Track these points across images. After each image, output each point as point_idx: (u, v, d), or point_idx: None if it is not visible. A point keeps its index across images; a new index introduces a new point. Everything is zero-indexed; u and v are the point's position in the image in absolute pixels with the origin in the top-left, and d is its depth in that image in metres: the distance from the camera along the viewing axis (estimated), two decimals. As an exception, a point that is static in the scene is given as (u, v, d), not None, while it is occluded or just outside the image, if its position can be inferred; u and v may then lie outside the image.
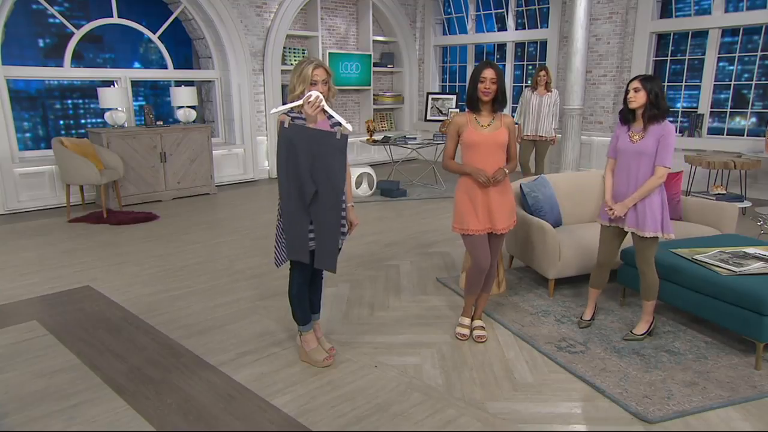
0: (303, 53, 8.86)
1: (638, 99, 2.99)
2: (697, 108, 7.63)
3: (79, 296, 3.99)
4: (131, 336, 3.38)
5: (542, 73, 6.83)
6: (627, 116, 3.11)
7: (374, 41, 9.77)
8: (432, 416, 2.56)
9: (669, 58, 7.85)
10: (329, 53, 9.00)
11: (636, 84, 3.00)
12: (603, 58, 8.25)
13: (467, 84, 3.11)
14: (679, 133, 7.84)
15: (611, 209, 3.13)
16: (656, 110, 2.97)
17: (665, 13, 7.77)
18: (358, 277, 4.37)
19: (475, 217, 3.11)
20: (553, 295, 3.93)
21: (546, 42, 8.94)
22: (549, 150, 7.08)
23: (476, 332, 3.31)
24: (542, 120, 6.83)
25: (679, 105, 7.94)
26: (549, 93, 6.86)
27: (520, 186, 4.23)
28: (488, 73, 2.97)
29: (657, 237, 3.10)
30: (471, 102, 3.07)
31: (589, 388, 2.77)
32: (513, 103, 9.60)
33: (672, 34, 7.76)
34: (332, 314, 3.69)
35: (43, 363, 3.04)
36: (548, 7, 8.83)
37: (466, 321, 3.37)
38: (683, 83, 7.81)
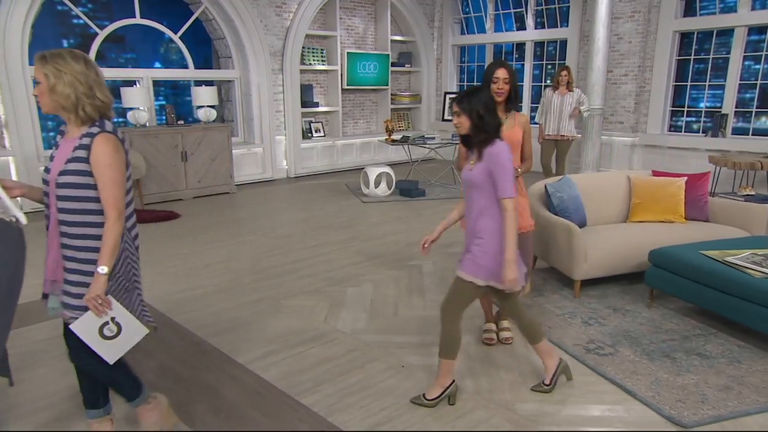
0: (321, 53, 8.87)
1: (463, 124, 2.44)
2: (721, 108, 7.51)
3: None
4: (159, 333, 3.39)
5: (564, 72, 6.80)
6: (464, 141, 2.55)
7: (392, 41, 9.76)
8: (462, 417, 2.55)
9: (692, 57, 7.74)
10: (347, 53, 9.00)
11: (455, 108, 2.45)
12: (624, 58, 8.16)
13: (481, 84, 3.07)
14: (702, 133, 7.72)
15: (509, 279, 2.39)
16: (484, 133, 2.41)
17: (689, 11, 7.65)
18: (381, 277, 4.36)
19: None
20: (579, 296, 3.89)
21: (566, 41, 8.87)
22: (570, 149, 7.04)
23: (503, 334, 3.28)
24: (564, 119, 6.80)
25: (702, 105, 7.83)
26: (570, 92, 6.83)
27: (545, 186, 4.20)
28: (501, 73, 2.95)
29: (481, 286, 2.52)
30: None
31: (620, 390, 2.73)
32: (533, 103, 9.55)
33: (696, 33, 7.65)
34: (357, 314, 3.69)
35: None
36: (568, 6, 8.76)
37: (490, 326, 3.33)
38: (707, 82, 7.69)
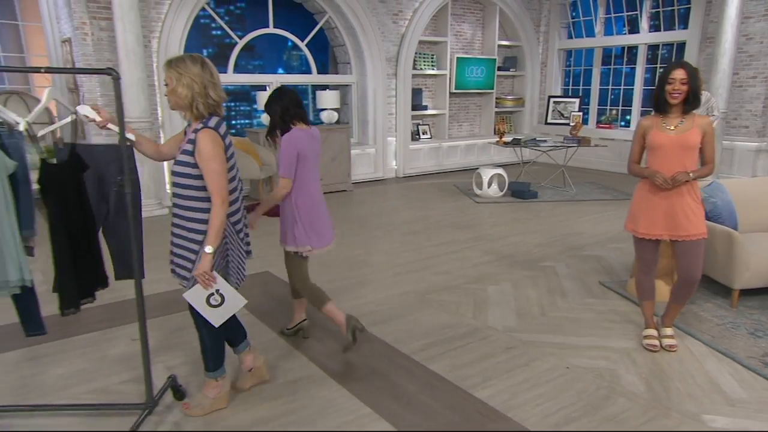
0: (432, 58, 9.01)
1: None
2: None
3: (262, 280, 4.31)
4: (322, 320, 3.60)
5: (693, 75, 6.51)
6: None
7: (498, 45, 9.73)
8: (647, 424, 2.51)
9: (838, 57, 7.16)
10: (457, 58, 9.09)
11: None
12: (754, 59, 7.70)
13: (655, 86, 3.02)
14: None
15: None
16: (280, 128, 2.96)
17: (836, 8, 7.10)
18: (517, 277, 4.38)
19: (648, 220, 3.04)
20: (737, 306, 3.73)
21: (683, 43, 8.48)
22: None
23: (666, 341, 3.21)
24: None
25: None
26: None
27: (697, 192, 4.06)
28: (678, 74, 2.87)
29: (296, 252, 3.08)
30: (658, 104, 2.98)
31: (817, 407, 2.60)
32: (643, 107, 9.20)
33: (843, 31, 7.08)
34: (504, 312, 3.73)
35: (254, 340, 3.29)
36: (688, 8, 8.37)
37: (652, 332, 3.26)
38: None
